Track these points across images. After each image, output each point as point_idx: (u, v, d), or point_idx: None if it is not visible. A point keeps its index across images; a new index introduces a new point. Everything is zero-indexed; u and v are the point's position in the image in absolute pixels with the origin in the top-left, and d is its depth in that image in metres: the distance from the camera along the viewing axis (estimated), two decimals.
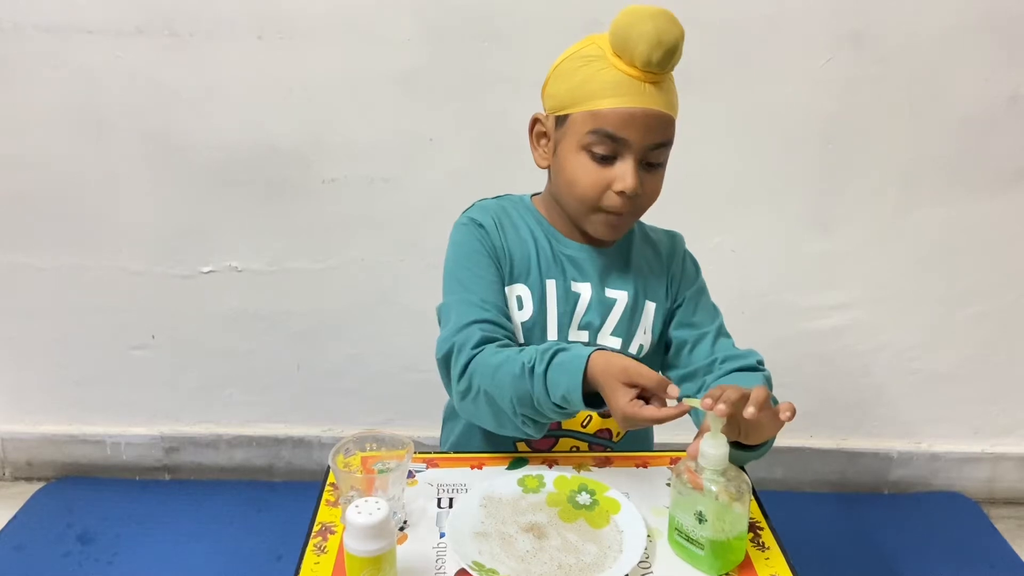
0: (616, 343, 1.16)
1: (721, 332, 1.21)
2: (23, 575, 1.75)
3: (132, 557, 1.82)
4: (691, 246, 1.26)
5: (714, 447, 0.90)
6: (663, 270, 1.21)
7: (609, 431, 1.20)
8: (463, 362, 1.05)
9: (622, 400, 0.92)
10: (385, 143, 1.82)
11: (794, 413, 0.90)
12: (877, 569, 1.83)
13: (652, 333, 1.19)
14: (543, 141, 1.14)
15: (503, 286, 1.14)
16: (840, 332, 1.97)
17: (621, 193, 1.06)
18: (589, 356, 0.97)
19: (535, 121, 1.14)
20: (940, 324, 1.97)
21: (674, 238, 1.26)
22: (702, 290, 1.24)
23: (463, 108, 1.78)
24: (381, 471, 0.99)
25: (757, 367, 1.14)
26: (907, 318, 1.96)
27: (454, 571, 0.92)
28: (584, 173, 1.07)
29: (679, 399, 0.94)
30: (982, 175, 1.85)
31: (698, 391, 1.17)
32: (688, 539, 0.92)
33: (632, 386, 0.93)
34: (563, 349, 1.00)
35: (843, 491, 2.10)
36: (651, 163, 1.07)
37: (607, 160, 1.06)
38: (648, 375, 0.93)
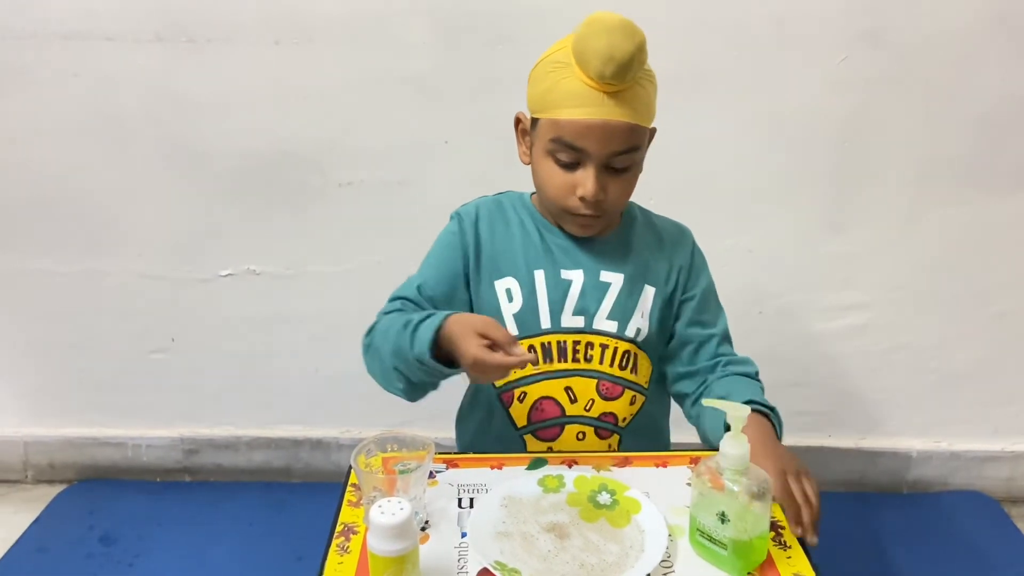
0: (612, 327, 1.18)
1: (726, 335, 1.23)
2: (48, 575, 1.77)
3: (154, 558, 1.83)
4: (706, 246, 1.26)
5: (735, 447, 0.90)
6: (666, 256, 1.22)
7: (614, 415, 1.20)
8: (371, 325, 1.15)
9: (472, 345, 0.97)
10: (400, 146, 1.83)
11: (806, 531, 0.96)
12: (897, 568, 1.82)
13: (650, 318, 1.20)
14: (525, 137, 1.17)
15: (457, 279, 1.19)
16: (857, 332, 1.96)
17: (583, 199, 1.09)
18: (450, 314, 1.03)
19: (518, 120, 1.18)
20: (958, 324, 1.96)
21: (682, 230, 1.27)
22: (711, 288, 1.25)
23: (478, 110, 1.79)
24: (402, 472, 1.00)
25: (755, 378, 1.18)
26: (924, 318, 1.95)
27: (476, 571, 0.92)
28: (550, 177, 1.11)
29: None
30: (999, 174, 1.84)
31: (699, 387, 1.20)
32: (710, 539, 0.92)
33: (484, 337, 0.98)
34: (437, 314, 1.05)
35: (862, 490, 2.09)
36: (616, 167, 1.09)
37: (570, 166, 1.10)
38: (500, 330, 0.99)
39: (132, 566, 1.81)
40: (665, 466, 1.12)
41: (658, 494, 1.03)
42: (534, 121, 1.13)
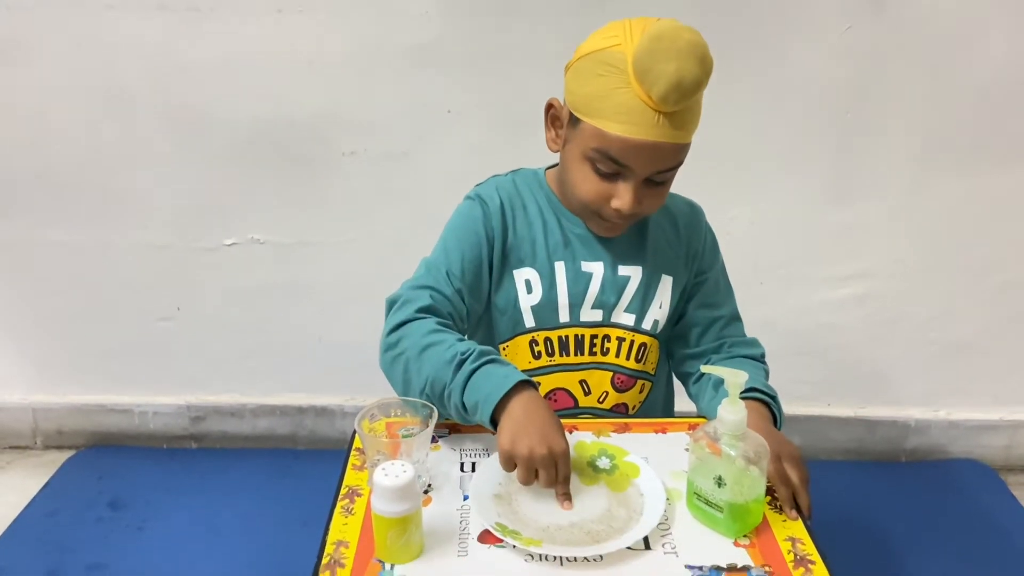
0: (630, 320, 1.17)
1: (735, 316, 1.22)
2: (57, 540, 1.80)
3: (162, 523, 1.85)
4: (709, 217, 1.25)
5: (732, 413, 0.91)
6: (682, 243, 1.20)
7: (625, 405, 1.21)
8: (401, 319, 1.06)
9: (523, 447, 0.93)
10: (404, 116, 1.82)
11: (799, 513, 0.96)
12: (894, 536, 1.84)
13: (668, 308, 1.19)
14: (557, 125, 1.11)
15: (482, 268, 1.13)
16: (859, 302, 1.96)
17: (618, 210, 1.05)
18: (518, 382, 0.97)
19: (550, 106, 1.11)
20: (959, 294, 1.96)
21: (695, 210, 1.25)
22: (722, 269, 1.25)
23: (481, 80, 1.78)
24: (406, 436, 1.01)
25: (760, 360, 1.17)
26: (926, 288, 1.95)
27: (478, 533, 0.93)
28: (585, 181, 1.06)
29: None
30: (1003, 146, 1.83)
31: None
32: (707, 502, 0.94)
33: (544, 454, 0.94)
34: (497, 361, 1.00)
35: (860, 459, 2.10)
36: (656, 181, 1.05)
37: (609, 176, 1.04)
38: (565, 466, 0.95)
39: (141, 530, 1.83)
40: (664, 432, 1.14)
41: (657, 459, 1.05)
42: (573, 118, 1.05)
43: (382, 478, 0.87)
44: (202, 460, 2.09)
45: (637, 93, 0.97)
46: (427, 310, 1.08)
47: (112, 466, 2.05)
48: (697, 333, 1.21)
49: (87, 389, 2.11)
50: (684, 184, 1.26)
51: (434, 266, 1.13)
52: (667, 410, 1.32)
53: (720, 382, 1.12)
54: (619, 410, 1.20)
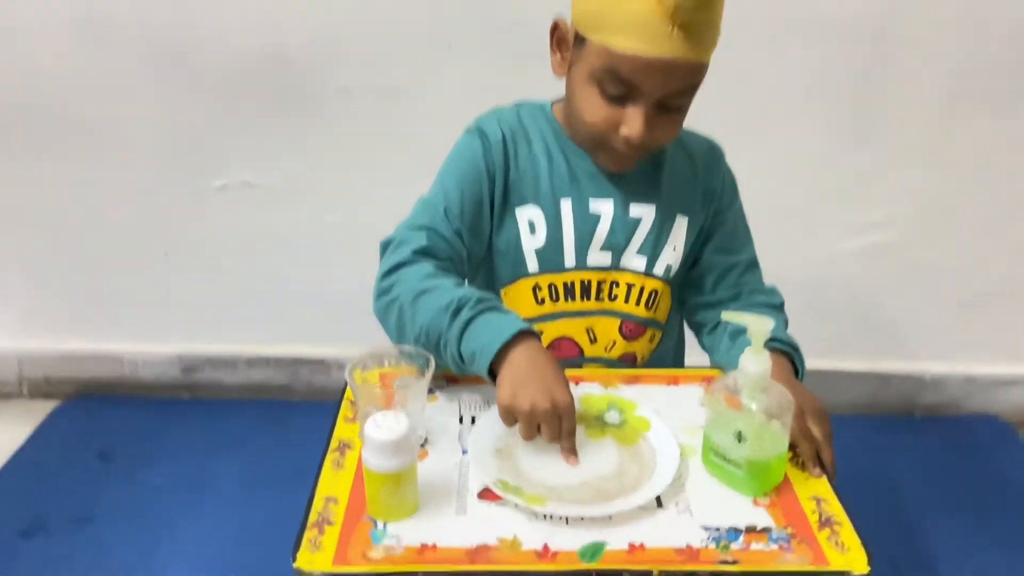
0: (640, 264, 1.10)
1: (753, 263, 1.16)
2: (44, 491, 1.76)
3: (152, 474, 1.82)
4: None
5: (756, 363, 0.85)
6: (699, 182, 1.13)
7: (634, 355, 1.15)
8: (395, 262, 1.01)
9: (524, 400, 0.87)
10: (401, 51, 1.74)
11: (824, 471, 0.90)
12: (907, 494, 1.79)
13: (683, 251, 1.12)
14: (563, 48, 1.02)
15: (482, 206, 1.06)
16: (878, 250, 1.89)
17: (627, 138, 0.97)
18: (519, 331, 0.90)
19: (556, 27, 1.03)
20: (982, 245, 1.90)
21: (715, 149, 1.17)
22: (741, 213, 1.17)
23: (484, 13, 1.69)
24: (400, 387, 0.95)
25: (779, 309, 1.11)
26: (948, 238, 1.89)
27: (477, 490, 0.87)
28: (591, 107, 0.98)
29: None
30: None
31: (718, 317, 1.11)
32: (725, 459, 0.87)
33: (548, 407, 0.88)
34: (497, 308, 0.94)
35: (873, 414, 2.06)
36: (669, 106, 0.97)
37: (618, 99, 0.96)
38: (570, 419, 0.89)
39: (131, 481, 1.80)
40: (676, 384, 1.07)
41: (669, 413, 0.98)
42: (579, 38, 0.97)
43: (374, 431, 0.81)
44: (195, 411, 2.06)
45: (647, 1, 0.88)
46: (424, 252, 1.02)
47: (101, 416, 2.01)
48: (712, 280, 1.14)
49: (75, 337, 2.06)
50: (697, 122, 1.18)
51: (431, 204, 1.07)
52: (678, 361, 1.27)
53: (738, 332, 1.06)
54: (627, 360, 1.14)
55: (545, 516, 0.83)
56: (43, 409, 2.04)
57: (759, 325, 0.85)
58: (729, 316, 0.88)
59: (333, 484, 0.89)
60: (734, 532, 0.82)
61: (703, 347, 1.18)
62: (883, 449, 1.93)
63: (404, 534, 0.81)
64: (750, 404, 0.84)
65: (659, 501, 0.86)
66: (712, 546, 0.80)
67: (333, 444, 0.97)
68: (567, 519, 0.83)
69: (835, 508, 0.86)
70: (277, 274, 1.97)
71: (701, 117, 1.16)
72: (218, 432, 1.96)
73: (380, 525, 0.82)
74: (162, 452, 1.88)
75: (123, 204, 1.91)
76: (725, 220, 1.14)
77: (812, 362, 1.94)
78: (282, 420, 2.00)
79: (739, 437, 0.85)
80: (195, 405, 2.08)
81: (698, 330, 1.19)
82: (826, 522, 0.84)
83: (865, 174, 1.83)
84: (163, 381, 2.09)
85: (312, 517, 0.84)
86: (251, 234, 1.93)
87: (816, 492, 0.88)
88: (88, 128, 1.83)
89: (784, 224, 1.83)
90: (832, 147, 1.81)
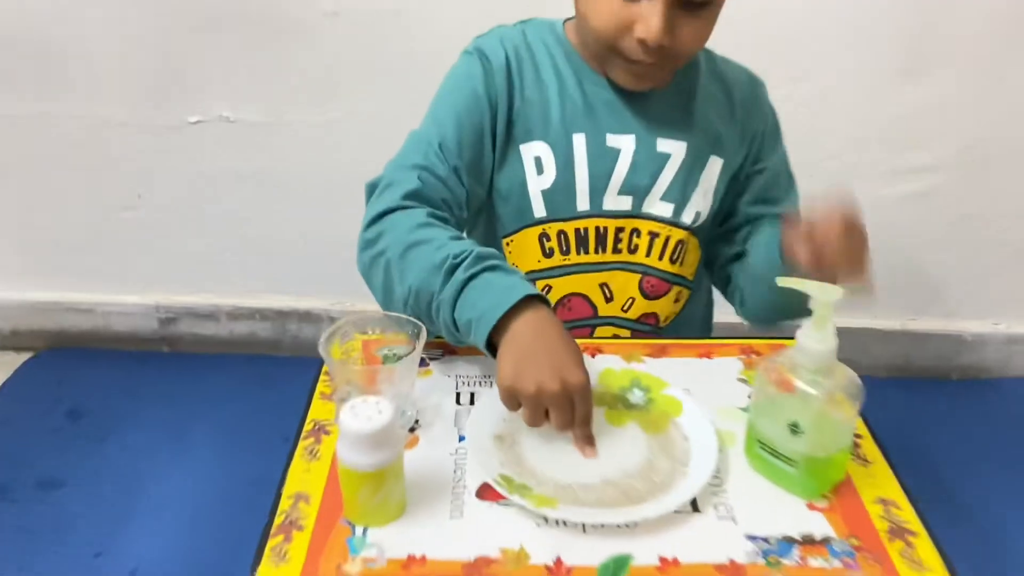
0: (666, 210, 0.96)
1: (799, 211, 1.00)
2: (8, 453, 1.65)
3: (126, 434, 1.71)
4: None
5: (818, 340, 0.70)
6: (736, 119, 0.99)
7: (656, 316, 1.01)
8: (382, 208, 0.87)
9: (529, 382, 0.73)
10: None
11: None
12: (941, 462, 1.67)
13: (714, 197, 0.98)
14: None
15: (483, 139, 0.93)
16: (923, 197, 1.74)
17: (643, 41, 0.84)
18: (525, 296, 0.76)
19: None
20: None
21: (755, 82, 1.03)
22: (785, 158, 1.05)
23: None
24: (387, 359, 0.80)
25: None
26: (998, 184, 1.73)
27: (476, 485, 0.74)
28: (601, 5, 0.86)
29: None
30: None
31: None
32: (774, 453, 0.73)
33: (559, 388, 0.74)
34: (499, 267, 0.80)
35: (906, 376, 1.93)
36: (693, 2, 0.84)
37: None
38: (586, 402, 0.75)
39: (103, 441, 1.68)
40: (710, 357, 0.92)
41: (701, 391, 0.84)
42: None
43: (350, 420, 0.67)
44: (173, 366, 1.94)
45: None
46: (415, 196, 0.88)
47: (73, 371, 1.90)
48: (749, 232, 1.01)
49: (43, 286, 1.93)
50: (731, 53, 1.04)
51: (423, 139, 0.92)
52: (705, 328, 1.13)
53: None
54: (647, 322, 1.01)
55: (557, 522, 0.69)
56: (9, 364, 1.91)
57: (824, 293, 0.70)
58: (787, 282, 0.73)
59: (305, 478, 0.76)
60: (786, 543, 0.69)
61: (731, 301, 1.05)
62: (916, 415, 1.81)
63: (387, 542, 0.69)
64: (809, 389, 0.70)
65: (695, 504, 0.72)
66: (760, 561, 0.67)
67: (306, 427, 0.83)
68: (584, 526, 0.70)
69: (907, 514, 0.73)
70: (262, 218, 1.83)
71: (730, 46, 1.00)
72: (198, 389, 1.85)
73: (359, 531, 0.70)
74: (137, 411, 1.77)
75: (92, 142, 1.75)
76: (766, 167, 1.01)
77: (840, 319, 1.82)
78: (268, 377, 1.88)
79: (794, 429, 0.71)
80: (173, 360, 1.97)
81: (725, 285, 1.06)
82: (897, 532, 0.71)
83: (910, 113, 1.66)
84: (139, 334, 1.97)
85: (277, 519, 0.71)
86: (231, 174, 1.78)
87: (883, 493, 0.75)
88: (52, 59, 1.68)
89: (818, 167, 1.66)
90: (875, 82, 1.64)
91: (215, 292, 1.93)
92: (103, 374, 1.88)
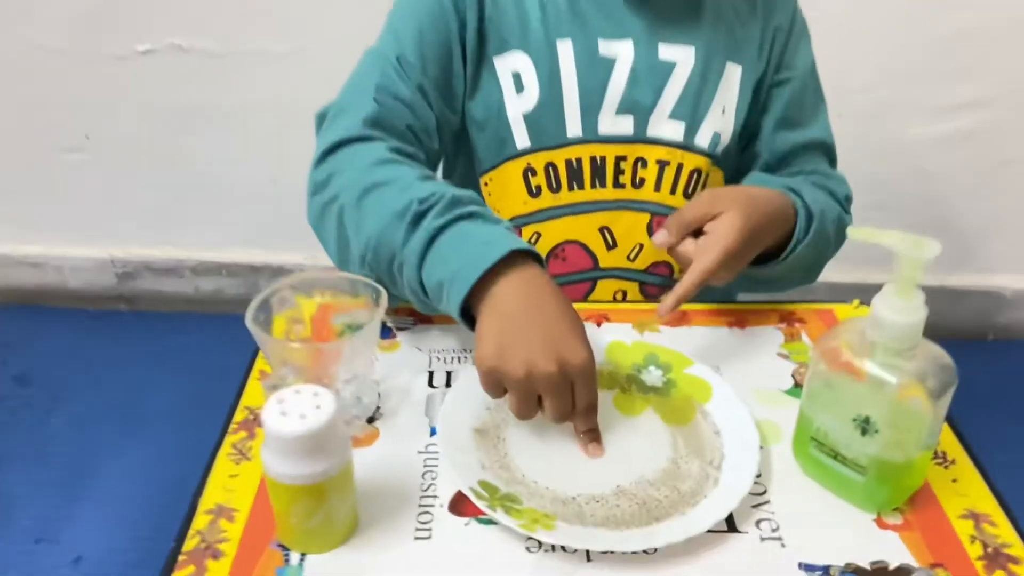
0: (676, 131, 0.82)
1: (823, 144, 0.88)
2: None
3: (79, 402, 1.57)
4: None
5: (901, 312, 0.54)
6: (757, 17, 0.84)
7: (669, 266, 0.85)
8: (333, 140, 0.72)
9: (516, 366, 0.58)
10: None
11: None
12: (977, 427, 1.50)
13: (736, 113, 0.83)
14: None
15: (451, 52, 0.78)
16: (965, 139, 1.58)
17: None
18: (511, 252, 0.60)
19: None
20: None
21: None
22: (812, 70, 0.88)
23: None
24: (348, 328, 0.63)
25: (841, 203, 0.84)
26: None
27: (450, 495, 0.58)
28: None
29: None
30: None
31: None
32: (835, 455, 0.57)
33: (556, 369, 0.58)
34: (477, 214, 0.64)
35: (941, 336, 1.73)
36: None
37: None
38: (591, 389, 0.60)
39: (52, 411, 1.55)
40: (743, 326, 0.76)
41: (735, 370, 0.69)
42: None
43: (276, 419, 0.51)
44: (133, 326, 1.80)
45: None
46: (373, 123, 0.73)
47: (21, 331, 1.76)
48: (767, 163, 0.86)
49: None
50: None
51: (380, 56, 0.77)
52: (727, 289, 0.95)
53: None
54: (658, 271, 0.86)
55: (554, 547, 0.54)
56: None
57: (913, 248, 0.52)
58: (859, 234, 0.56)
59: (229, 486, 0.60)
60: (854, 574, 0.53)
61: None
62: None
63: (330, 574, 0.53)
64: (886, 376, 0.53)
65: (731, 522, 0.56)
66: None
67: (236, 417, 0.67)
68: (588, 553, 0.54)
69: (1006, 532, 0.57)
70: (226, 161, 1.67)
71: None
72: (159, 353, 1.71)
73: (294, 559, 0.54)
74: (90, 377, 1.63)
75: (27, 73, 1.59)
76: (792, 79, 0.85)
77: (870, 275, 1.67)
78: (237, 340, 1.69)
79: (864, 425, 0.54)
80: (133, 319, 1.83)
81: None
82: (994, 556, 0.56)
83: (954, 42, 1.50)
84: (95, 290, 1.82)
85: (188, 543, 0.55)
86: (189, 111, 1.62)
87: (973, 504, 0.59)
88: None
89: (848, 103, 1.49)
90: (915, 4, 1.47)
91: (177, 244, 1.77)
92: (53, 335, 1.74)
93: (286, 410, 0.50)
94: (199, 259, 1.77)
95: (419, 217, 0.62)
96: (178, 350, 1.70)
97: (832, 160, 0.89)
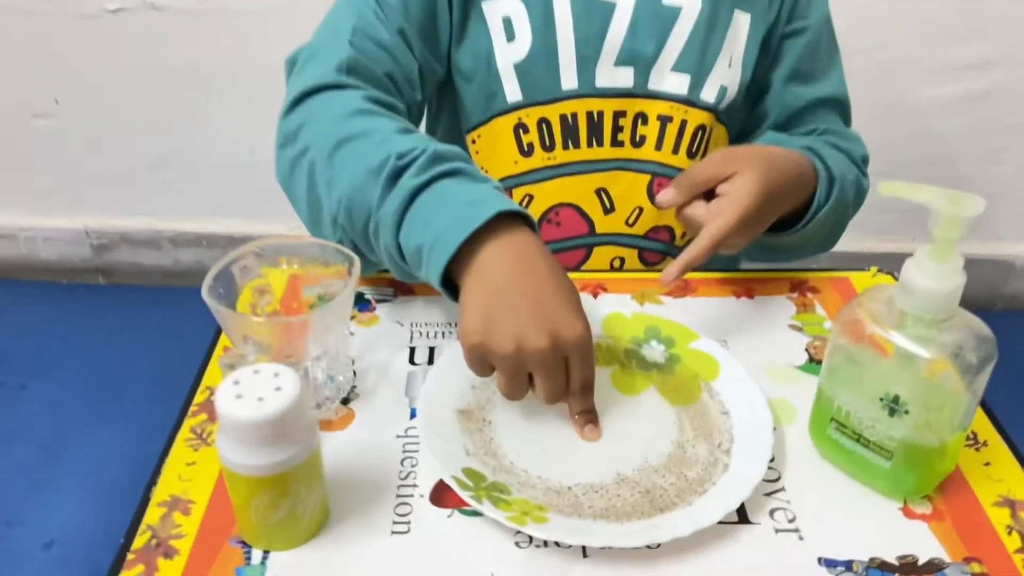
0: (680, 84, 0.76)
1: (837, 100, 0.83)
2: None
3: (50, 381, 1.53)
4: None
5: (935, 276, 0.48)
6: None
7: (670, 231, 0.80)
8: (304, 87, 0.66)
9: (503, 340, 0.53)
10: None
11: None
12: (985, 402, 1.47)
13: (743, 67, 0.78)
14: None
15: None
16: (976, 101, 1.53)
17: None
18: (499, 213, 0.54)
19: None
20: None
21: None
22: (827, 21, 0.83)
23: None
24: (321, 300, 0.58)
25: (858, 164, 0.79)
26: None
27: (431, 485, 0.53)
28: None
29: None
30: None
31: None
32: (859, 439, 0.51)
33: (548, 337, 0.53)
34: (462, 172, 0.58)
35: None
36: None
37: None
38: (589, 365, 0.55)
39: (24, 388, 1.51)
40: (751, 296, 0.70)
41: (743, 344, 0.64)
42: None
43: (230, 403, 0.45)
44: (110, 299, 1.75)
45: None
46: (348, 70, 0.67)
47: None
48: (777, 119, 0.81)
49: None
50: None
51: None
52: (731, 257, 0.91)
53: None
54: (659, 237, 0.81)
55: (547, 542, 0.49)
56: None
57: (953, 204, 0.47)
58: (892, 189, 0.50)
59: (187, 474, 0.55)
60: (878, 571, 0.48)
61: None
62: None
63: (296, 573, 0.48)
64: (918, 350, 0.48)
65: (743, 512, 0.51)
66: None
67: (197, 398, 0.62)
68: (584, 549, 0.49)
69: None
70: (203, 127, 1.62)
71: None
72: (136, 327, 1.66)
73: (256, 556, 0.49)
74: (67, 350, 1.59)
75: None
76: (806, 29, 0.79)
77: (877, 243, 1.63)
78: None
79: (893, 405, 0.49)
80: (109, 292, 1.78)
81: None
82: None
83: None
84: (70, 263, 1.77)
85: (138, 540, 0.49)
86: (162, 73, 1.55)
87: (1008, 489, 0.54)
88: None
89: (855, 62, 1.42)
90: None
91: (155, 215, 1.72)
92: (26, 310, 1.69)
93: (242, 392, 0.45)
94: (178, 230, 1.72)
95: (397, 174, 0.56)
96: (157, 324, 1.65)
97: (847, 118, 0.83)
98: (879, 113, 1.51)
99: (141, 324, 1.65)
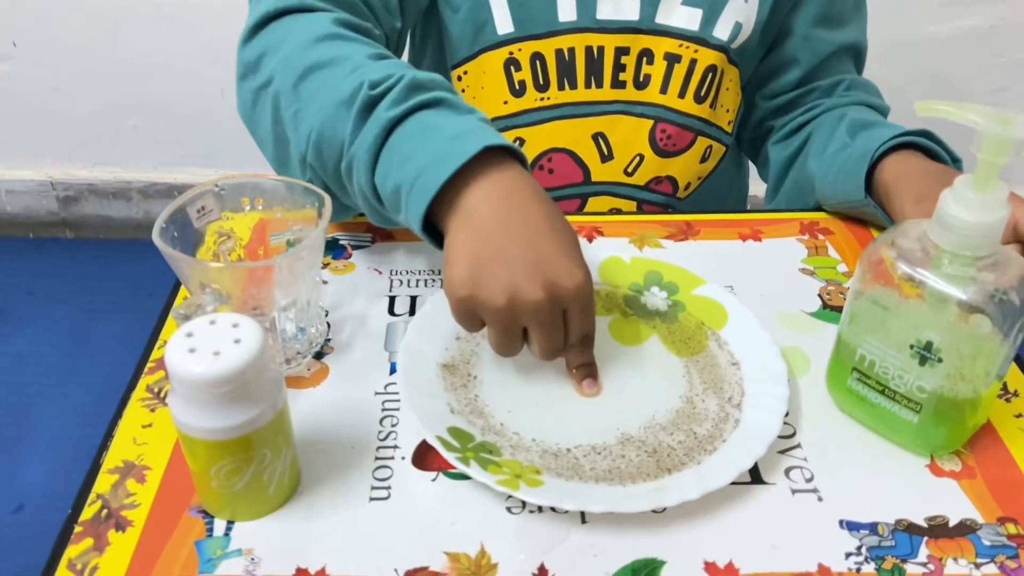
0: (691, 19, 0.71)
1: (857, 48, 0.78)
2: None
3: (19, 337, 1.51)
4: None
5: (976, 208, 0.44)
6: None
7: (672, 181, 0.75)
8: (266, 10, 0.59)
9: (494, 291, 0.48)
10: None
11: None
12: None
13: (760, 2, 0.72)
14: None
15: None
16: (982, 38, 1.48)
17: None
18: (486, 148, 0.49)
19: None
20: None
21: None
22: None
23: None
24: (290, 246, 0.53)
25: (883, 113, 0.76)
26: None
27: (413, 446, 0.48)
28: None
29: None
30: None
31: (797, 118, 0.76)
32: (884, 390, 0.47)
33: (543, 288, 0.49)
34: (444, 102, 0.52)
35: None
36: None
37: None
38: (591, 315, 0.50)
39: None
40: (758, 239, 0.65)
41: (752, 290, 0.59)
42: None
43: (182, 357, 0.40)
44: (78, 253, 1.73)
45: None
46: None
47: None
48: (801, 68, 0.75)
49: None
50: None
51: None
52: (739, 202, 0.88)
53: (865, 125, 0.69)
54: (661, 189, 0.76)
55: (541, 507, 0.45)
56: None
57: (1000, 124, 0.42)
58: (927, 109, 0.45)
59: (141, 440, 0.49)
60: (907, 533, 0.44)
61: (760, 166, 0.82)
62: None
63: (264, 545, 0.44)
64: (953, 291, 0.43)
65: (757, 472, 0.47)
66: (868, 568, 0.43)
67: (153, 355, 0.56)
68: (583, 515, 0.45)
69: None
70: (173, 68, 1.56)
71: None
72: (106, 283, 1.63)
73: (218, 526, 0.45)
74: (34, 307, 1.57)
75: None
76: None
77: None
78: None
79: (924, 353, 0.44)
80: (77, 246, 1.75)
81: (755, 151, 0.81)
82: None
83: None
84: (35, 215, 1.73)
85: (87, 511, 0.45)
86: (124, 15, 1.50)
87: None
88: None
89: None
90: None
91: (123, 165, 1.67)
92: None
93: (196, 346, 0.39)
94: (147, 180, 1.68)
95: (370, 105, 0.50)
96: (127, 280, 1.61)
97: (860, 67, 0.78)
98: (877, 52, 1.45)
99: (111, 280, 1.62)
